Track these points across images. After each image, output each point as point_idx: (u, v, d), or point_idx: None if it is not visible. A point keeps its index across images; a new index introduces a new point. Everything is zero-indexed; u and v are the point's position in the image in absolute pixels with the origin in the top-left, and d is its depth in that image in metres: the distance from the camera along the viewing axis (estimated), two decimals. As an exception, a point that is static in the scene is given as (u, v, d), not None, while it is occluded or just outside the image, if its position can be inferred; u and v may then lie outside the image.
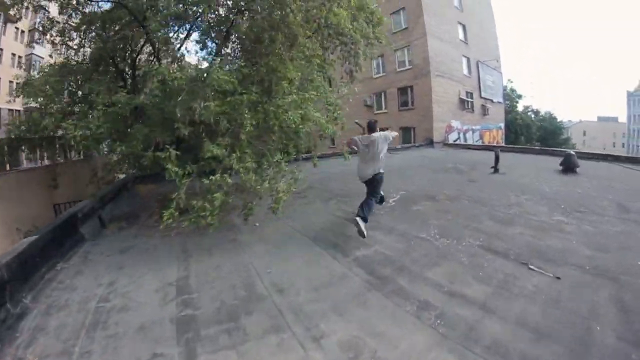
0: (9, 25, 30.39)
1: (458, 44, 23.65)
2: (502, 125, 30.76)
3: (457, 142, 22.20)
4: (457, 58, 23.38)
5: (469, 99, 24.07)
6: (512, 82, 51.32)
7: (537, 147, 17.68)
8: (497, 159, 10.02)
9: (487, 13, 29.26)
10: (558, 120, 46.13)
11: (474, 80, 25.27)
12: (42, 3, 9.50)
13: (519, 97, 41.51)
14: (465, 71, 24.31)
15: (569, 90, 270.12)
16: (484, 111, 26.15)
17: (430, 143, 20.15)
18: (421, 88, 20.90)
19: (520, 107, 41.29)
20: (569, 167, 9.21)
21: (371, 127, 5.95)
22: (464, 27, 24.56)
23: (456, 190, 7.93)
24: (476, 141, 25.01)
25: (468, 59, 24.65)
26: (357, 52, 10.08)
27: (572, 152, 10.19)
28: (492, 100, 27.69)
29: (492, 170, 9.88)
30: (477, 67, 25.66)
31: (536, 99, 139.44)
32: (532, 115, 41.64)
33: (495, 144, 27.95)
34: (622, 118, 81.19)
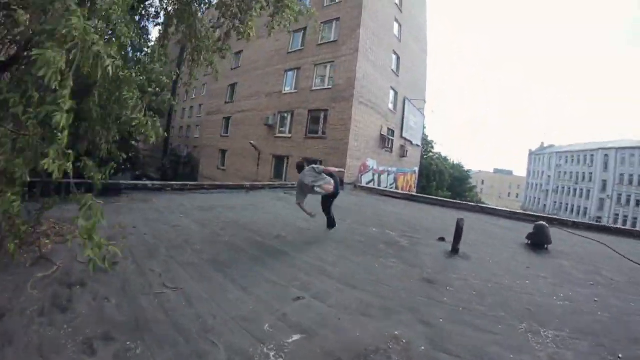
0: None
1: (389, 74, 19.65)
2: (417, 169, 27.93)
3: (371, 184, 17.65)
4: (385, 89, 19.28)
5: (390, 137, 20.02)
6: (425, 127, 51.55)
7: (470, 203, 13.67)
8: (459, 232, 5.23)
9: (421, 52, 26.60)
10: (466, 169, 46.76)
11: (397, 117, 21.53)
12: None
13: (431, 143, 40.53)
14: (391, 106, 20.34)
15: (469, 142, 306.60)
16: (403, 152, 22.52)
17: (341, 182, 15.06)
18: (338, 114, 15.92)
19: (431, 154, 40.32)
20: (540, 242, 6.61)
21: (300, 168, 6.42)
22: (398, 58, 20.87)
23: (411, 317, 3.15)
24: (390, 185, 20.99)
25: (396, 93, 20.86)
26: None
27: (543, 223, 7.10)
28: (411, 142, 24.41)
29: (451, 249, 5.82)
30: (404, 104, 22.11)
31: (444, 147, 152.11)
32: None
33: (408, 191, 24.52)
34: (517, 172, 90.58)
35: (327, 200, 6.54)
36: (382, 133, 18.83)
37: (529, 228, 7.11)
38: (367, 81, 16.68)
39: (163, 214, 6.63)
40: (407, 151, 22.89)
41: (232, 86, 24.67)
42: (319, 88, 17.17)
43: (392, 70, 20.21)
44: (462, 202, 14.94)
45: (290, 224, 7.12)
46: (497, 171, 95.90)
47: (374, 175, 18.28)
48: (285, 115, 18.78)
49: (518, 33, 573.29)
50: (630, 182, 45.67)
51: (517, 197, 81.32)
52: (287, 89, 19.05)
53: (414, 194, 15.97)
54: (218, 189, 10.25)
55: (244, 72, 23.34)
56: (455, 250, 5.68)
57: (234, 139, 23.20)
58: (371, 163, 17.91)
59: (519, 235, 7.19)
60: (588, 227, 9.69)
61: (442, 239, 6.45)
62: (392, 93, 20.32)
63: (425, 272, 4.46)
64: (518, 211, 13.58)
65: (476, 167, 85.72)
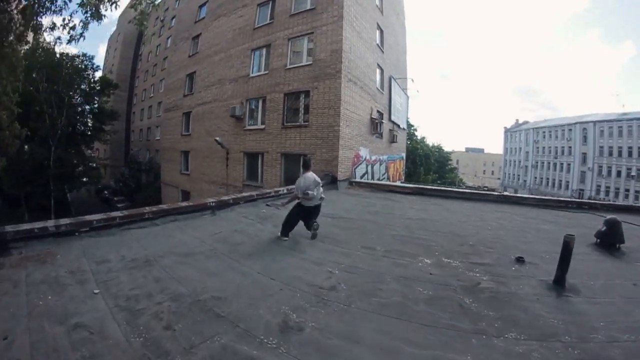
0: None
1: (374, 49, 16.43)
2: (404, 155, 25.21)
3: (365, 178, 14.63)
4: (372, 65, 16.09)
5: (381, 121, 16.95)
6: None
7: (493, 193, 11.09)
8: (566, 256, 3.90)
9: (401, 27, 23.63)
10: (445, 150, 44.80)
11: (385, 98, 18.47)
12: None
13: (413, 126, 38.00)
14: (379, 84, 17.26)
15: (438, 121, 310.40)
16: (392, 137, 19.57)
17: (332, 181, 11.84)
18: (323, 95, 12.60)
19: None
20: (612, 241, 5.31)
21: (306, 165, 6.06)
22: (381, 32, 17.70)
23: None
24: (382, 175, 18.04)
25: (382, 71, 17.76)
26: None
27: (615, 218, 5.55)
28: (399, 126, 21.52)
29: (554, 280, 3.97)
30: (390, 83, 19.07)
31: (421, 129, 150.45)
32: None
33: (398, 179, 21.68)
34: (487, 150, 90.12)
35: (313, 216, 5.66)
36: (373, 116, 15.71)
37: (574, 220, 6.70)
38: (354, 55, 13.43)
39: (65, 289, 3.35)
40: (396, 136, 19.96)
41: (190, 76, 20.73)
42: (295, 65, 13.71)
43: (377, 45, 17.04)
44: (484, 192, 12.17)
45: (302, 289, 3.71)
46: (468, 150, 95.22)
47: (367, 166, 15.18)
48: (255, 102, 15.23)
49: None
50: (610, 154, 45.36)
51: (492, 174, 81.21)
52: (256, 72, 15.46)
53: (423, 186, 12.98)
54: (168, 216, 6.21)
55: (203, 58, 19.47)
56: (559, 282, 3.88)
57: (196, 138, 19.40)
58: (364, 152, 14.79)
59: (578, 233, 4.63)
60: (617, 209, 8.92)
61: (520, 260, 4.67)
62: (378, 71, 17.20)
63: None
64: (544, 197, 11.01)
65: (447, 147, 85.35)
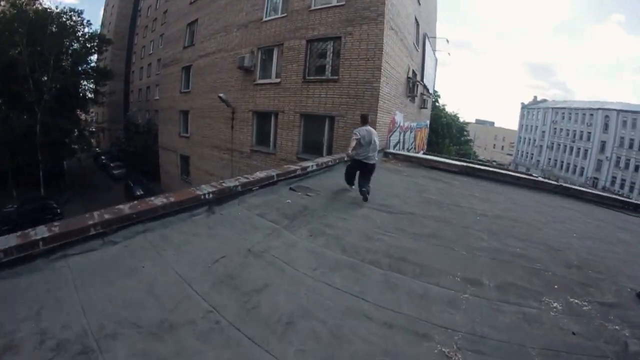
0: None
1: (412, -2, 13.57)
2: (429, 123, 22.75)
3: (397, 148, 12.23)
4: (410, 16, 13.21)
5: (417, 82, 14.30)
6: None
7: (551, 182, 8.91)
8: None
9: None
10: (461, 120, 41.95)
11: (419, 57, 15.70)
12: None
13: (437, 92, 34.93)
14: (414, 39, 14.45)
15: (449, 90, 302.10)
16: (422, 103, 17.01)
17: None
18: (359, 44, 9.79)
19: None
20: None
21: (365, 119, 6.08)
22: (417, -20, 14.72)
23: None
24: (411, 145, 15.65)
25: (418, 25, 14.88)
26: None
27: None
28: (428, 90, 18.89)
29: None
30: (424, 41, 16.22)
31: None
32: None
33: (422, 151, 19.18)
34: (498, 123, 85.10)
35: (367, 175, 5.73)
36: (409, 76, 13.06)
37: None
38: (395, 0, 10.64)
39: None
40: (426, 101, 17.39)
41: (191, 25, 17.73)
42: (323, 6, 10.85)
43: (415, -6, 14.12)
44: (537, 179, 9.79)
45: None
46: (478, 122, 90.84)
47: (400, 134, 12.70)
48: (269, 52, 12.43)
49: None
50: (631, 146, 42.52)
51: (502, 149, 78.01)
52: (271, 15, 12.61)
53: (467, 164, 10.55)
54: (133, 225, 3.23)
55: (207, 4, 16.41)
56: None
57: (197, 95, 16.69)
58: (399, 118, 12.25)
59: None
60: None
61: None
62: (414, 25, 14.34)
63: None
64: (603, 194, 9.31)
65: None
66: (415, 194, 6.69)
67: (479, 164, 12.48)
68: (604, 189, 44.62)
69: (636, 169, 41.89)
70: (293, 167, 6.21)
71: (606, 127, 45.54)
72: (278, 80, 11.75)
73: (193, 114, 17.29)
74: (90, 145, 28.64)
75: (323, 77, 10.59)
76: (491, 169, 10.46)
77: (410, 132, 15.09)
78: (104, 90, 30.13)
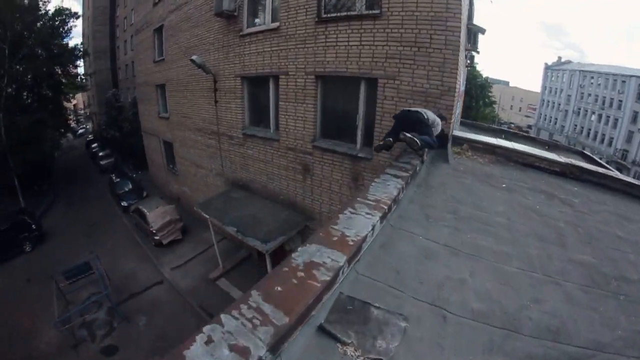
0: None
1: None
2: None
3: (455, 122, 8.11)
4: None
5: (478, 30, 9.99)
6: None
7: None
8: None
9: None
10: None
11: (467, 4, 11.25)
12: None
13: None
14: (472, -32, 9.94)
15: None
16: (469, 59, 12.73)
17: (440, 143, 4.95)
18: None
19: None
20: None
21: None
22: None
23: None
24: (457, 114, 11.47)
25: (470, -53, 10.34)
26: None
27: None
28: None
29: None
30: (475, -22, 11.66)
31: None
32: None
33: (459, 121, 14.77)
34: (513, 83, 78.75)
35: None
36: (469, 25, 8.74)
37: None
38: None
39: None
40: (473, 57, 13.01)
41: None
42: None
43: None
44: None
45: None
46: (492, 81, 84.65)
47: (457, 103, 8.55)
48: (262, -15, 8.15)
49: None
50: None
51: (519, 110, 72.11)
52: None
53: (579, 163, 6.39)
54: None
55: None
56: None
57: (171, 63, 12.37)
58: (462, 80, 8.14)
59: None
60: None
61: None
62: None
63: None
64: None
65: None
66: (539, 246, 2.96)
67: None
68: (634, 162, 40.21)
69: (671, 147, 37.32)
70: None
71: (639, 96, 40.41)
72: (276, 24, 7.34)
73: (170, 88, 13.06)
74: (58, 144, 23.61)
75: (353, 13, 6.18)
76: (600, 170, 6.25)
77: (460, 98, 10.87)
78: (82, 73, 25.57)
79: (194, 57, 8.81)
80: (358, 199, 2.98)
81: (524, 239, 3.07)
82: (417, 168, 4.32)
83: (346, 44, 6.15)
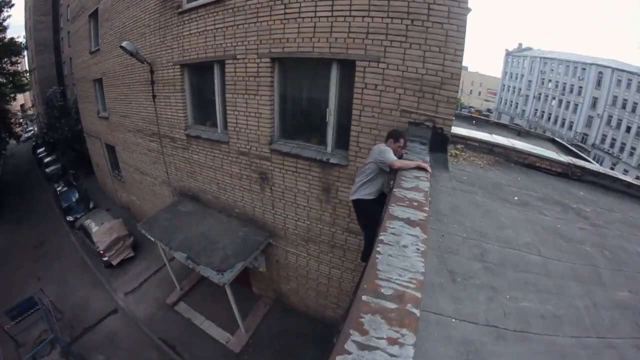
0: None
1: None
2: None
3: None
4: None
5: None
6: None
7: None
8: None
9: None
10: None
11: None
12: None
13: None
14: None
15: None
16: None
17: (440, 144, 4.05)
18: None
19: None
20: None
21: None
22: None
23: None
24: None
25: None
26: None
27: None
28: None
29: None
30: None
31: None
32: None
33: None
34: (472, 68, 79.79)
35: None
36: None
37: None
38: None
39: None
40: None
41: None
42: None
43: None
44: None
45: None
46: None
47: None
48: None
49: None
50: (624, 107, 39.04)
51: (479, 94, 74.11)
52: None
53: (582, 164, 5.34)
54: None
55: None
56: None
57: (107, 52, 10.34)
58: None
59: None
60: None
61: None
62: None
63: None
64: None
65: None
66: (581, 291, 2.62)
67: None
68: (593, 145, 41.82)
69: (628, 129, 38.88)
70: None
71: (599, 83, 41.78)
72: (220, -6, 5.80)
73: (107, 82, 11.04)
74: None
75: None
76: (601, 170, 5.38)
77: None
78: (22, 70, 22.44)
79: (124, 44, 7.02)
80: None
81: (566, 285, 2.58)
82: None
83: (312, 14, 4.64)
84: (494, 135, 5.92)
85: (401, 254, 1.58)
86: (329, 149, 5.15)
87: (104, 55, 10.86)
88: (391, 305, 1.26)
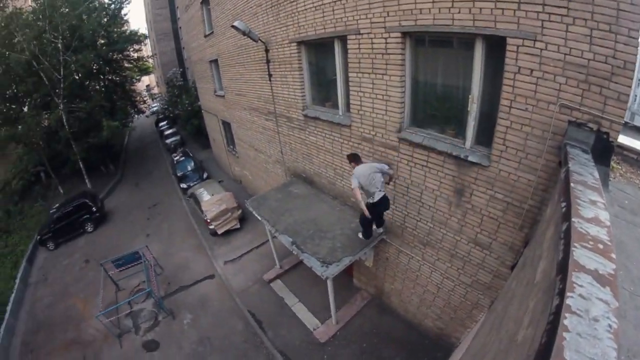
0: None
1: None
2: None
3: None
4: None
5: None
6: None
7: None
8: None
9: None
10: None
11: None
12: None
13: None
14: None
15: None
16: None
17: (601, 156, 2.89)
18: None
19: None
20: None
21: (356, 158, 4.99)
22: None
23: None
24: None
25: None
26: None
27: None
28: None
29: None
30: None
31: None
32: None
33: None
34: None
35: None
36: None
37: None
38: None
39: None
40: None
41: None
42: None
43: None
44: None
45: None
46: None
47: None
48: None
49: None
50: None
51: None
52: None
53: None
54: None
55: None
56: None
57: (220, 34, 10.65)
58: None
59: None
60: None
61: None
62: None
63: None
64: None
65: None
66: None
67: None
68: None
69: None
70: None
71: None
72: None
73: (222, 62, 11.54)
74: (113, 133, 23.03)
75: None
76: None
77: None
78: (141, 56, 25.45)
79: (235, 23, 6.93)
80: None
81: None
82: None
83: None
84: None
85: (591, 332, 1.10)
86: (468, 143, 4.20)
87: (217, 38, 11.30)
88: None
